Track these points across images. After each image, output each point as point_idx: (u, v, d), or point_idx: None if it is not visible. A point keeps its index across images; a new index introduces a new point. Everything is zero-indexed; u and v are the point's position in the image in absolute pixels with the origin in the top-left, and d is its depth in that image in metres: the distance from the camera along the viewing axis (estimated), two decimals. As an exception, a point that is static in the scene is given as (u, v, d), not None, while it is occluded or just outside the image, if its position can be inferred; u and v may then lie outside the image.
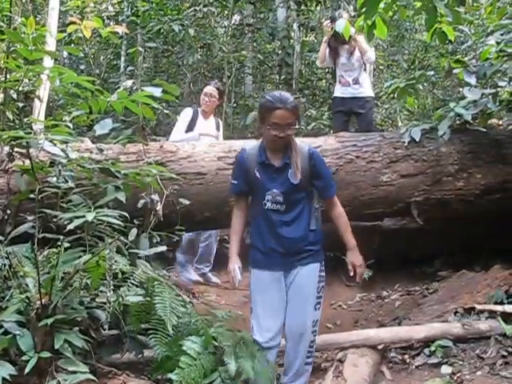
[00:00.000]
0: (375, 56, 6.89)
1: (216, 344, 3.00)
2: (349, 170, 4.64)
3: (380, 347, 3.87)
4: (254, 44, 10.73)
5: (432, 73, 5.62)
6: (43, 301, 2.73)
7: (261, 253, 3.30)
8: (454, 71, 5.11)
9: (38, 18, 9.54)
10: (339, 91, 6.76)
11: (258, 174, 3.21)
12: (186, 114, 5.96)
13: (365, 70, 6.64)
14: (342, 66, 6.63)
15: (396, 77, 10.30)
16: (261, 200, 3.24)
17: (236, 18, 11.00)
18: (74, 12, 9.22)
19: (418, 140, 4.76)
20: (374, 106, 7.19)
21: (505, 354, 3.61)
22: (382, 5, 4.32)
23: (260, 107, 3.22)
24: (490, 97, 4.75)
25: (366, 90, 6.70)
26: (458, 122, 4.97)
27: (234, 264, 3.32)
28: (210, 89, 5.99)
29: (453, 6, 4.28)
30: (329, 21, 6.54)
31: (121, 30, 4.68)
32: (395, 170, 4.68)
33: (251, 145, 3.37)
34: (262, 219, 3.27)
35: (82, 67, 10.89)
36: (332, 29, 6.32)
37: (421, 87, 5.40)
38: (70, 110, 3.66)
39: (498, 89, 5.06)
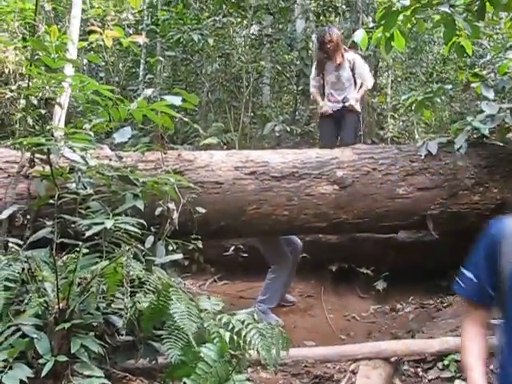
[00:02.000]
0: (373, 81, 6.84)
1: (232, 352, 3.02)
2: (365, 182, 4.65)
3: (393, 360, 3.87)
4: (273, 54, 10.77)
5: (450, 86, 5.62)
6: (61, 305, 2.78)
7: None
8: (472, 85, 5.12)
9: (59, 26, 9.67)
10: (327, 106, 6.67)
11: None
12: None
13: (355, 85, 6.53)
14: (332, 84, 6.55)
15: (414, 89, 10.28)
16: None
17: (255, 28, 11.06)
18: (95, 20, 9.32)
19: (434, 153, 4.77)
20: (359, 122, 7.06)
21: (519, 369, 3.58)
22: (400, 17, 4.36)
23: None
24: (508, 111, 4.75)
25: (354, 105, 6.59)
26: (475, 136, 4.97)
27: None
28: None
29: (472, 20, 4.30)
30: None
31: (141, 40, 4.74)
32: (411, 183, 4.68)
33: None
34: None
35: (102, 75, 11.01)
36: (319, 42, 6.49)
37: (438, 100, 5.40)
38: (91, 117, 3.71)
39: (516, 103, 5.06)
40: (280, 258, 5.18)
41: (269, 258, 5.24)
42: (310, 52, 9.29)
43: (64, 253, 3.35)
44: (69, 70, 5.46)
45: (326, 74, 6.55)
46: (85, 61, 10.53)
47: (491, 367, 3.67)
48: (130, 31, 10.71)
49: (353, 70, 6.43)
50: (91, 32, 4.74)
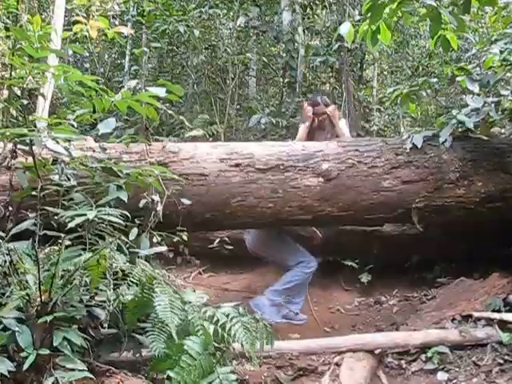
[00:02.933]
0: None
1: (216, 345, 3.02)
2: (350, 174, 4.65)
3: (377, 352, 3.88)
4: (259, 46, 10.75)
5: (435, 80, 5.62)
6: (43, 298, 2.75)
7: None
8: (457, 79, 5.14)
9: (43, 16, 9.58)
10: None
11: None
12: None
13: None
14: None
15: (399, 83, 10.31)
16: None
17: (241, 20, 11.01)
18: (80, 10, 9.24)
19: (419, 146, 4.78)
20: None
21: (501, 361, 3.61)
22: (386, 10, 4.35)
23: None
24: (493, 105, 4.77)
25: None
26: (460, 130, 4.98)
27: None
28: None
29: (457, 13, 4.30)
30: (310, 107, 5.84)
31: (126, 31, 4.69)
32: (396, 176, 4.69)
33: None
34: None
35: (87, 66, 10.94)
36: (313, 113, 5.73)
37: (424, 94, 5.40)
38: (74, 108, 3.67)
39: (501, 97, 5.08)
40: (300, 256, 5.12)
41: (286, 261, 5.19)
42: (296, 44, 9.25)
43: (47, 245, 3.33)
44: (52, 60, 5.40)
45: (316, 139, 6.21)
46: (70, 52, 10.43)
47: (473, 359, 3.73)
48: (116, 22, 10.63)
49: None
50: (76, 22, 4.69)
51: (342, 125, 5.76)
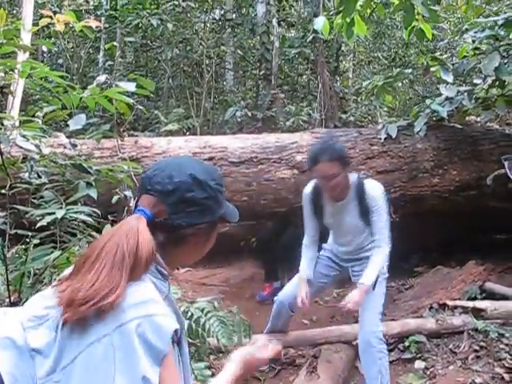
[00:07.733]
0: None
1: (190, 340, 2.99)
2: (325, 166, 4.63)
3: (355, 343, 3.88)
4: (235, 39, 10.69)
5: (410, 70, 5.64)
6: (12, 298, 2.70)
7: None
8: (432, 69, 5.15)
9: (14, 11, 9.45)
10: None
11: None
12: None
13: None
14: None
15: (376, 73, 10.32)
16: None
17: (217, 12, 10.93)
18: (52, 5, 9.12)
19: (394, 136, 4.79)
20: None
21: (477, 348, 3.65)
22: (360, 2, 4.34)
23: None
24: (466, 94, 4.78)
25: None
26: (434, 119, 5.00)
27: None
28: None
29: (429, 4, 4.30)
30: None
31: (95, 24, 4.61)
32: (371, 166, 4.70)
33: None
34: None
35: (60, 61, 10.78)
36: None
37: (399, 85, 5.41)
38: (42, 105, 3.61)
39: (474, 86, 5.10)
40: None
41: None
42: (271, 37, 9.20)
43: (20, 244, 3.27)
44: (22, 56, 5.30)
45: None
46: (45, 48, 10.29)
47: (450, 346, 3.74)
48: (90, 17, 10.49)
49: None
50: (42, 17, 4.60)
51: None
